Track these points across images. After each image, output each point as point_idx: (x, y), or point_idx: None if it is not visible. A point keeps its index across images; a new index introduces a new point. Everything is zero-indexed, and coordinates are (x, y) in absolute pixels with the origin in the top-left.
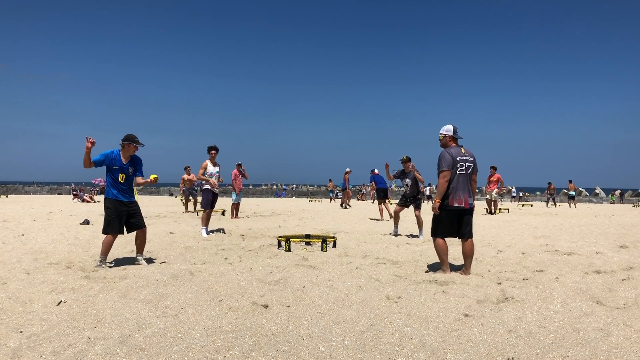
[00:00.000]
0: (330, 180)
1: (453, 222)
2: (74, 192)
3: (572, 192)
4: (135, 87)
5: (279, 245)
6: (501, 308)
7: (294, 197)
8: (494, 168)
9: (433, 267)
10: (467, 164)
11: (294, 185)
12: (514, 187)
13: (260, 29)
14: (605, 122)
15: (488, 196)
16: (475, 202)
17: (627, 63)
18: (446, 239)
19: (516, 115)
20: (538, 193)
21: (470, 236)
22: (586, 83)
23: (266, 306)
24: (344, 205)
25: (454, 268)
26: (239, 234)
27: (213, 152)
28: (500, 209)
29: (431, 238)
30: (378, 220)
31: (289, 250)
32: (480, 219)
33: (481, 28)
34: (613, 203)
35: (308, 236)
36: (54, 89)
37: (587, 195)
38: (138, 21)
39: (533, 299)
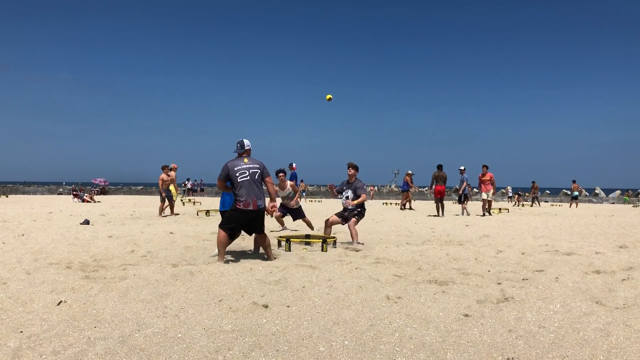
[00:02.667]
0: (302, 180)
1: (242, 223)
2: (74, 192)
3: (575, 193)
4: (136, 87)
5: (279, 245)
6: (501, 308)
7: None
8: (486, 167)
9: (432, 267)
10: (250, 170)
11: None
12: (510, 188)
13: (260, 29)
14: (605, 122)
15: (484, 196)
16: (473, 202)
17: (628, 62)
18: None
19: (515, 114)
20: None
21: (262, 231)
22: (586, 82)
23: (266, 306)
24: (405, 207)
25: (455, 267)
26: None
27: (281, 175)
28: (499, 209)
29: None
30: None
31: (289, 250)
32: (479, 219)
33: (483, 29)
34: (635, 205)
35: (308, 236)
36: (55, 89)
37: (587, 195)
38: (137, 22)
39: (533, 299)
